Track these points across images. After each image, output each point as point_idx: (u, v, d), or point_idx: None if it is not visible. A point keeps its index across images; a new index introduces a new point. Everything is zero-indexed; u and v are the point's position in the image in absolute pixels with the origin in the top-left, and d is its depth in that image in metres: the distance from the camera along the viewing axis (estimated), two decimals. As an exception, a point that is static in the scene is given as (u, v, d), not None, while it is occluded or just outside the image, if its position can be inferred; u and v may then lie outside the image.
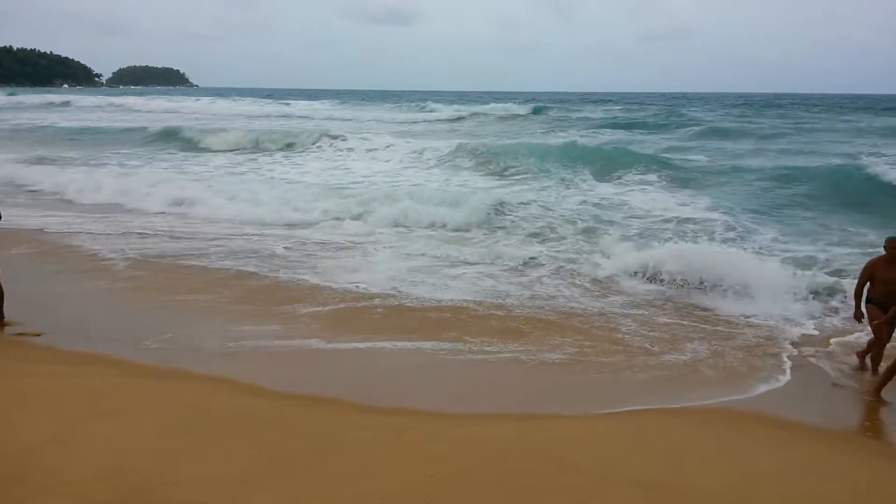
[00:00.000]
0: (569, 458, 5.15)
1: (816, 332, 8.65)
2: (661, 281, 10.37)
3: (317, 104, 73.69)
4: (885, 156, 23.88)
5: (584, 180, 20.80)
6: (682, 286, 10.10)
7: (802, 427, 6.10)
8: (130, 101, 69.55)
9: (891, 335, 7.18)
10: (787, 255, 11.86)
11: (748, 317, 9.11)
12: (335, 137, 30.66)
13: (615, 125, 43.46)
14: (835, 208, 16.79)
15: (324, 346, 7.65)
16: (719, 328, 8.72)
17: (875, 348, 7.27)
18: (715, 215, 15.23)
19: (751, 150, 28.90)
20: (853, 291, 7.53)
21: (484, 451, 5.20)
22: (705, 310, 9.40)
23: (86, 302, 9.08)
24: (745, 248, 12.03)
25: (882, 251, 7.24)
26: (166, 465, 4.75)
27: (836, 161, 22.90)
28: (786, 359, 7.70)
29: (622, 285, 10.44)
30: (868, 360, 7.47)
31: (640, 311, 9.28)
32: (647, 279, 10.54)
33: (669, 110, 59.37)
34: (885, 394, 6.72)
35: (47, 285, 9.71)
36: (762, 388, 6.89)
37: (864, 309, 7.37)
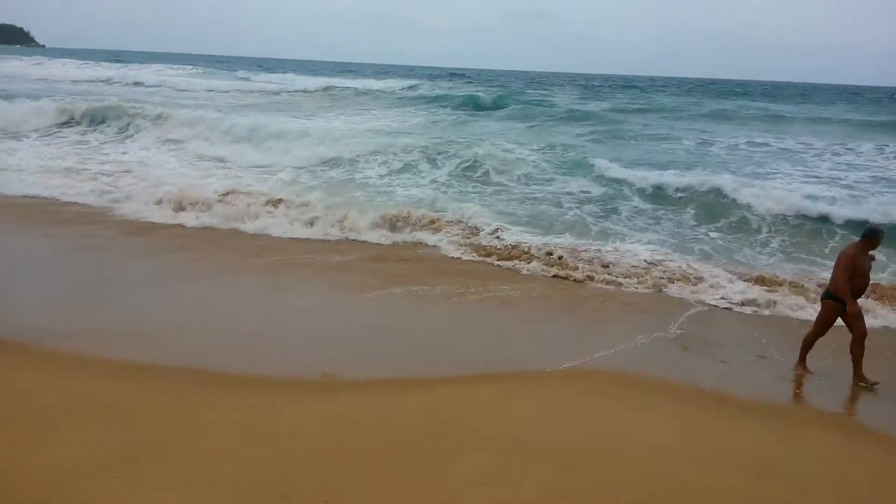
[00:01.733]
0: (433, 425, 5.33)
1: (679, 296, 9.45)
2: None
3: (167, 70, 66.56)
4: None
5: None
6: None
7: (669, 387, 6.52)
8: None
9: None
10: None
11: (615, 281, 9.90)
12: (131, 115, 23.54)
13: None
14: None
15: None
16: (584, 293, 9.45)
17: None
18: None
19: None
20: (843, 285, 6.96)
21: (348, 425, 5.25)
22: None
23: None
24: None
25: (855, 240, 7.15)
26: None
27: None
28: (653, 320, 8.32)
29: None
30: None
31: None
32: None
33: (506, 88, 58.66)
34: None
35: None
36: (623, 348, 7.36)
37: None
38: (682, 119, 35.08)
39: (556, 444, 5.16)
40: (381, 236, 11.75)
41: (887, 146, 24.43)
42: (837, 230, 12.96)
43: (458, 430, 5.31)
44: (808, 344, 7.27)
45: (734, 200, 14.31)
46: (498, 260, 10.69)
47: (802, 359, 7.26)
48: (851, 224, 12.87)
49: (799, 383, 6.99)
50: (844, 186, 17.78)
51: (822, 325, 7.16)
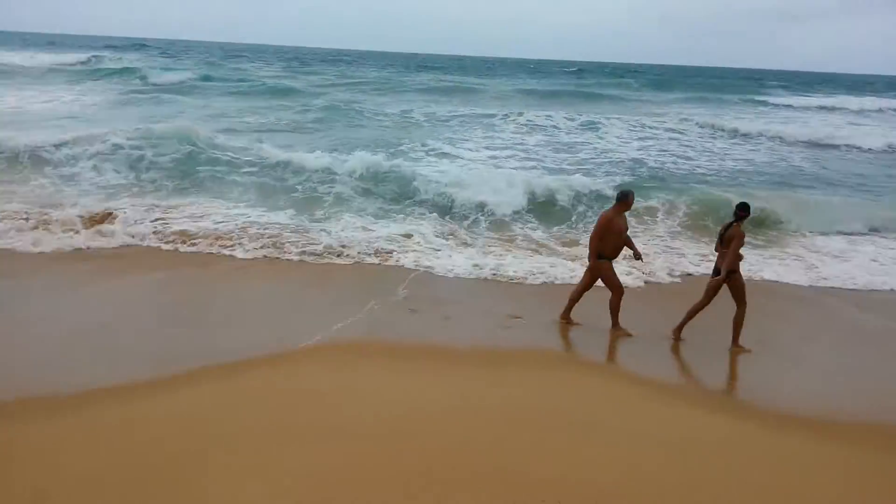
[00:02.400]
0: (181, 428, 5.03)
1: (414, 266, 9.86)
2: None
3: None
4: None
5: None
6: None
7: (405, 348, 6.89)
8: None
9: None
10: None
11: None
12: None
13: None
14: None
15: None
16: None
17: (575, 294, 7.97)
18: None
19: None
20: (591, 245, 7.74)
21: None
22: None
23: None
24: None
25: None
26: None
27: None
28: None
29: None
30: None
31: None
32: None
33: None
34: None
35: None
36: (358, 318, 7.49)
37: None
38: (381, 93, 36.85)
39: (317, 423, 5.14)
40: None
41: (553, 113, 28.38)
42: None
43: (206, 428, 5.04)
44: (573, 299, 7.94)
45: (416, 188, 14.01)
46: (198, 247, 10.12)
47: (568, 311, 7.96)
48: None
49: (564, 334, 7.75)
50: (523, 150, 20.49)
51: (614, 281, 7.82)
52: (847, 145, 25.59)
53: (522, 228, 12.11)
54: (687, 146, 23.23)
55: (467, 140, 21.62)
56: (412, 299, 8.40)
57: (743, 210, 7.41)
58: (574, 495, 4.32)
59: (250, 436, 4.91)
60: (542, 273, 9.73)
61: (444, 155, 18.68)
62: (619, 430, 5.31)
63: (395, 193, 13.59)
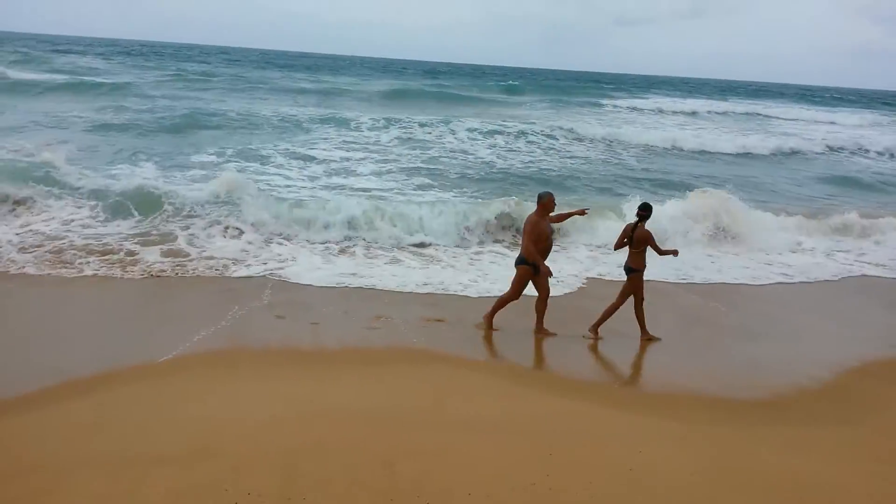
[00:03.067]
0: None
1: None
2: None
3: None
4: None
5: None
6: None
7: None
8: None
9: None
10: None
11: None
12: None
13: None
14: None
15: None
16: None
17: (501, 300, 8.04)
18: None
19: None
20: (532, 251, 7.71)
21: None
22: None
23: None
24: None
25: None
26: None
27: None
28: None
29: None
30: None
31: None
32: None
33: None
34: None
35: None
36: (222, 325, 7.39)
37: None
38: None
39: (169, 448, 4.94)
40: None
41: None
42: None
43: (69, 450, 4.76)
44: (501, 304, 7.98)
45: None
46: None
47: (491, 315, 7.99)
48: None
49: (487, 337, 7.89)
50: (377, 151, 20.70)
51: (518, 288, 7.87)
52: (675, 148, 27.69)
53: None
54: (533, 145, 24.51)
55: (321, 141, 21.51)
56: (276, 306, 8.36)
57: (643, 210, 7.81)
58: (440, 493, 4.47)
59: (110, 459, 4.70)
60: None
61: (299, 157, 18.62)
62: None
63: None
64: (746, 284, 11.00)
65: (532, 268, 7.76)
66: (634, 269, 7.86)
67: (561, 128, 27.93)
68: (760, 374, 7.30)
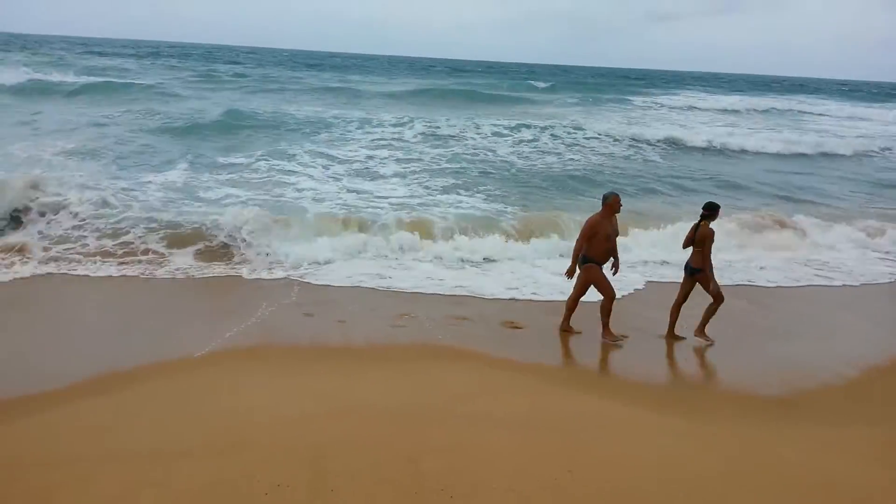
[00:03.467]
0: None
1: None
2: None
3: None
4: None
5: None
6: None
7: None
8: None
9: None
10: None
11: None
12: None
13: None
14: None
15: None
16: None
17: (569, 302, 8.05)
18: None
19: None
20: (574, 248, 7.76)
21: None
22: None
23: None
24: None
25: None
26: None
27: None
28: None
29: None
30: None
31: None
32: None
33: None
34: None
35: None
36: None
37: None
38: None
39: (201, 440, 5.16)
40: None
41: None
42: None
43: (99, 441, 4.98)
44: (570, 308, 8.01)
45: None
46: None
47: (566, 320, 8.04)
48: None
49: (564, 341, 7.89)
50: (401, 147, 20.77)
51: (582, 286, 7.88)
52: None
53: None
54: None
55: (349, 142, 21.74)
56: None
57: (707, 209, 7.75)
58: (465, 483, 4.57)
59: (143, 450, 4.90)
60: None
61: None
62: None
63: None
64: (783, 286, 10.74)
65: (597, 266, 7.78)
66: (695, 268, 7.86)
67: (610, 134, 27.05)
68: (789, 372, 7.28)
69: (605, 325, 7.90)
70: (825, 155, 27.33)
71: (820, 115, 47.05)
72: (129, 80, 36.44)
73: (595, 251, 7.73)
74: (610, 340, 7.85)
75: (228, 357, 6.85)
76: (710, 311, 7.99)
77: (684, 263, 8.06)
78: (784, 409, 6.37)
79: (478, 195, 15.49)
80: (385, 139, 22.41)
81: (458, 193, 15.52)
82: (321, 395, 6.09)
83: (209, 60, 71.21)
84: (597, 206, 8.09)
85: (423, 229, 11.68)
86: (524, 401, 6.15)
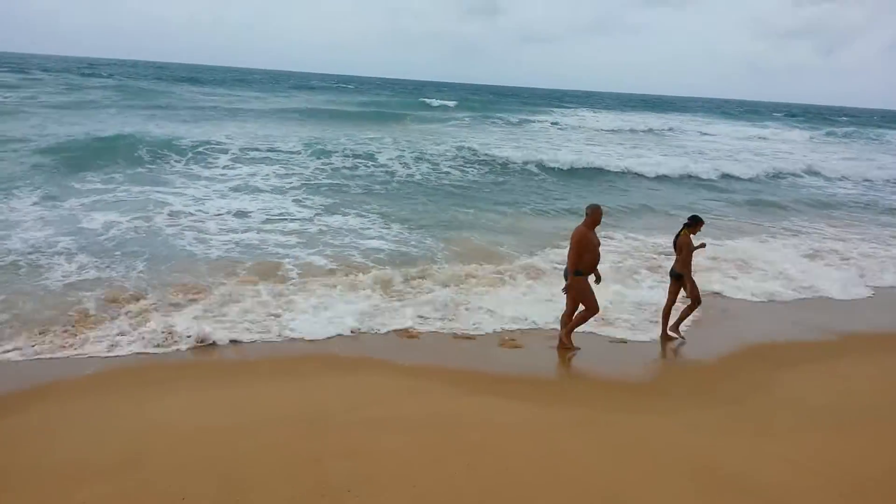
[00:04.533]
0: None
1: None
2: None
3: None
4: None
5: None
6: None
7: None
8: None
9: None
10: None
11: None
12: None
13: None
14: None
15: None
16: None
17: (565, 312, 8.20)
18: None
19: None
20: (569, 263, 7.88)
21: None
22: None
23: None
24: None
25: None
26: None
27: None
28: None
29: None
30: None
31: None
32: None
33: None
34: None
35: None
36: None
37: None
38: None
39: (101, 457, 5.15)
40: None
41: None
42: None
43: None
44: (577, 320, 8.12)
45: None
46: None
47: (567, 335, 8.19)
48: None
49: (562, 357, 8.03)
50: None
51: (574, 299, 8.05)
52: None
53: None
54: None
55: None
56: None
57: (690, 219, 8.67)
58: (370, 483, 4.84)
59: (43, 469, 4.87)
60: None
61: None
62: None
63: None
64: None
65: (583, 277, 7.94)
66: (679, 272, 8.62)
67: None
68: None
69: (571, 331, 8.16)
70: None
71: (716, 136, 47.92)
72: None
73: (585, 262, 7.91)
74: (569, 346, 8.10)
75: (123, 375, 6.82)
76: (687, 312, 8.83)
77: (669, 269, 8.91)
78: (653, 396, 7.05)
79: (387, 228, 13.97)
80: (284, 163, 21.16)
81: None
82: (223, 409, 6.19)
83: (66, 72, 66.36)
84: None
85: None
86: (423, 404, 6.47)
